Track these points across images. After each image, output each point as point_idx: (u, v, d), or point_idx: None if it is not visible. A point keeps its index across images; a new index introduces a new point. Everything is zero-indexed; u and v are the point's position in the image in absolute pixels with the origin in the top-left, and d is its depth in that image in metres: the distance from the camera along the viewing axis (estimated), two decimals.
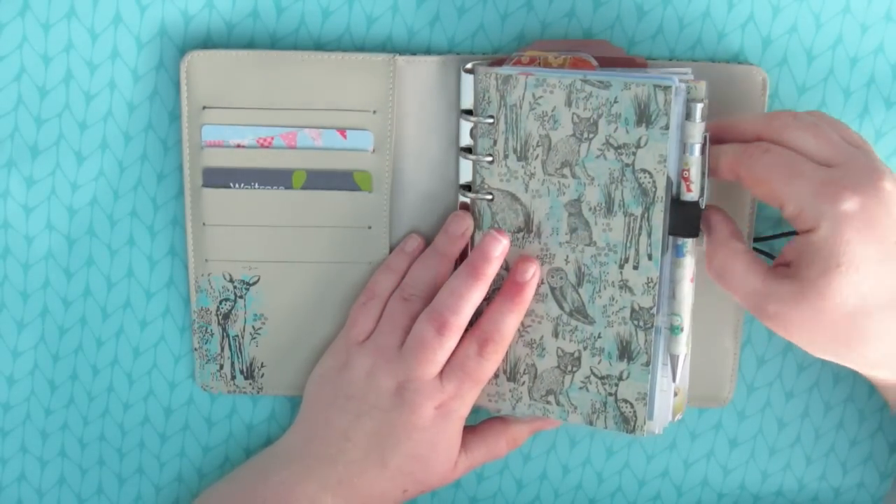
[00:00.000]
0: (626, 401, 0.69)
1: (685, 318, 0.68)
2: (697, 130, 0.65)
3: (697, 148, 0.65)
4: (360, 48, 0.72)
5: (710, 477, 0.79)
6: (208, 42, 0.71)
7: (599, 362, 0.69)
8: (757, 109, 0.71)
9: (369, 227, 0.73)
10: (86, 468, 0.78)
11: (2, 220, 0.73)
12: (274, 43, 0.71)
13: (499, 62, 0.69)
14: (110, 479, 0.78)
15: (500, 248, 0.69)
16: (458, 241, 0.71)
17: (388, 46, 0.72)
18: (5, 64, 0.71)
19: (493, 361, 0.70)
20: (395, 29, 0.71)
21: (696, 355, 0.72)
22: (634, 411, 0.69)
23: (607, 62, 0.69)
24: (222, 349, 0.74)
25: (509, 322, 0.69)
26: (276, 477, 0.71)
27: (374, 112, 0.71)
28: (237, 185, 0.72)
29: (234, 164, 0.71)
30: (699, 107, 0.65)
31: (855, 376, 0.77)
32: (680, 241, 0.66)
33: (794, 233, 0.74)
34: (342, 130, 0.71)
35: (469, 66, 0.69)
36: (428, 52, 0.72)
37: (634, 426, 0.69)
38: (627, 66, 0.68)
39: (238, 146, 0.71)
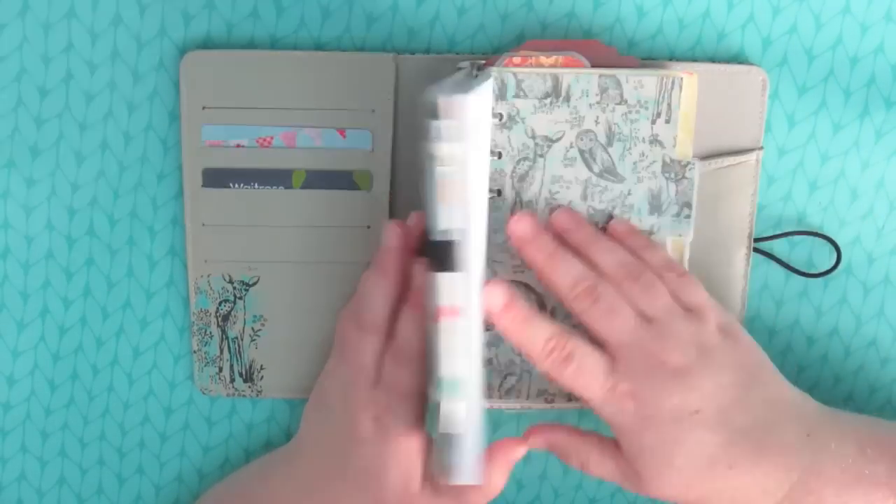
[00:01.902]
0: None
1: None
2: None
3: None
4: (360, 48, 0.72)
5: None
6: (208, 42, 0.71)
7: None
8: (757, 110, 0.71)
9: (368, 227, 0.73)
10: (86, 468, 0.78)
11: (2, 220, 0.73)
12: (274, 43, 0.72)
13: (491, 62, 0.69)
14: (110, 479, 0.78)
15: (394, 237, 0.68)
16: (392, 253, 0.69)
17: (388, 46, 0.72)
18: (5, 64, 0.71)
19: (408, 370, 0.67)
20: (395, 29, 0.71)
21: None
22: None
23: (599, 62, 0.68)
24: (221, 351, 0.74)
25: (410, 327, 0.67)
26: (275, 480, 0.71)
27: (374, 111, 0.71)
28: (237, 185, 0.72)
29: (233, 164, 0.71)
30: None
31: (855, 376, 0.77)
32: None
33: (793, 233, 0.74)
34: (342, 130, 0.71)
35: (460, 65, 0.69)
36: (428, 52, 0.72)
37: None
38: (619, 66, 0.68)
39: (238, 146, 0.71)
